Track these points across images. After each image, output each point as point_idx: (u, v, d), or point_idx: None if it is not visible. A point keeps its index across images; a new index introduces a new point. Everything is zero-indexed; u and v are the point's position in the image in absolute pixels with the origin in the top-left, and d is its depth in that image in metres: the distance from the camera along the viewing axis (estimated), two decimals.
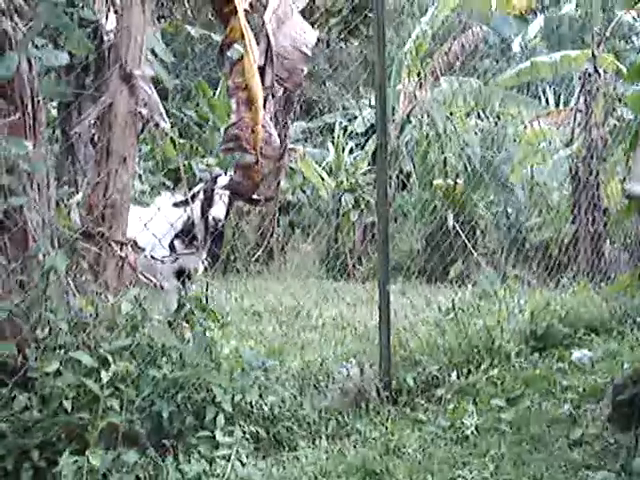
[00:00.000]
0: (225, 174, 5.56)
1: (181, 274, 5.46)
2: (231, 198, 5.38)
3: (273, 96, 4.42)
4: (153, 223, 4.85)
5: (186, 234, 5.53)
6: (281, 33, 4.48)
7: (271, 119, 4.43)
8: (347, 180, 13.38)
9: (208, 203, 5.44)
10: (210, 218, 5.45)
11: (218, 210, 5.43)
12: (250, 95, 4.24)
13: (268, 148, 4.30)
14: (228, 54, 4.36)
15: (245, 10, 4.31)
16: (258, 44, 4.43)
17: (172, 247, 5.49)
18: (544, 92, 15.59)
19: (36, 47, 3.54)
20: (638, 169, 3.61)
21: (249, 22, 4.36)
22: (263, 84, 4.39)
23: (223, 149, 4.44)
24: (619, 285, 4.76)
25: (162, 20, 12.36)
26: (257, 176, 4.32)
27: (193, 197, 5.55)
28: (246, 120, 4.24)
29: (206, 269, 5.76)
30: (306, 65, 4.60)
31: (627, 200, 4.06)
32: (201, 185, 5.70)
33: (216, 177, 5.53)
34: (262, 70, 4.40)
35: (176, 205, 5.50)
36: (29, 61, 3.74)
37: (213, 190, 5.44)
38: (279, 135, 4.32)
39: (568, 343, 6.38)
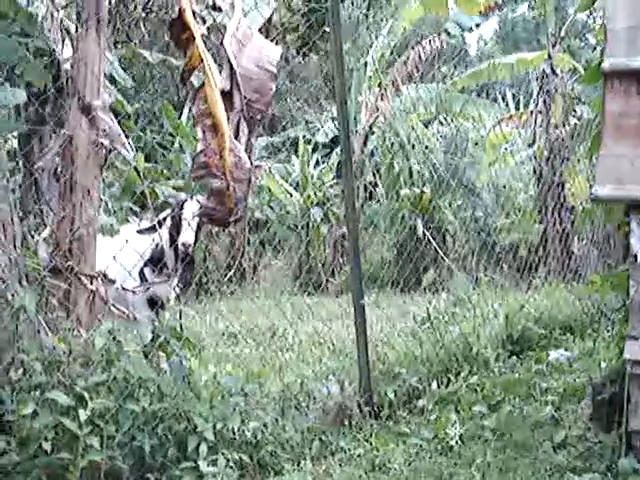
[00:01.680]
0: (191, 198, 5.51)
1: (154, 303, 5.40)
2: (199, 223, 5.35)
3: (245, 119, 4.39)
4: (122, 253, 4.81)
5: (156, 262, 5.48)
6: (244, 55, 4.46)
7: (247, 142, 4.41)
8: (315, 194, 13.37)
9: (176, 229, 5.40)
10: (180, 244, 5.41)
11: (187, 236, 5.40)
12: (215, 121, 4.22)
13: (239, 172, 4.28)
14: (191, 80, 4.35)
15: (202, 35, 4.30)
16: (221, 69, 4.41)
17: (142, 276, 5.44)
18: (504, 96, 15.74)
19: None
20: (601, 171, 3.64)
21: (208, 48, 4.34)
22: (232, 108, 4.37)
23: (194, 177, 4.40)
24: (592, 285, 4.79)
25: (119, 45, 12.33)
26: (230, 201, 4.29)
27: (160, 223, 5.51)
28: (213, 146, 4.21)
29: (178, 296, 5.71)
30: (274, 83, 4.59)
31: (592, 201, 4.10)
32: (168, 211, 5.65)
33: (183, 202, 5.49)
34: (230, 95, 4.37)
35: (141, 232, 5.45)
36: None
37: (181, 216, 5.40)
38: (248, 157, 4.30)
39: (544, 344, 6.43)
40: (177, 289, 5.67)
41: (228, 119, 4.31)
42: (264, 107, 4.51)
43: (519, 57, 12.62)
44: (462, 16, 11.66)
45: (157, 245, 5.53)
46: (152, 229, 5.45)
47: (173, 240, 5.46)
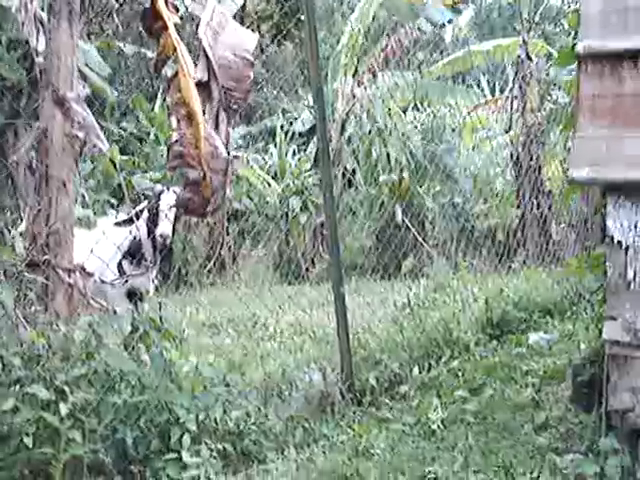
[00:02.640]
0: (167, 190, 5.48)
1: (132, 295, 5.38)
2: (177, 214, 5.33)
3: (224, 109, 4.37)
4: (99, 246, 4.78)
5: (133, 254, 5.46)
6: (219, 44, 4.43)
7: (225, 132, 4.39)
8: (293, 183, 13.34)
9: (154, 221, 5.36)
10: (157, 236, 5.38)
11: (164, 227, 5.38)
12: (189, 110, 4.19)
13: (215, 162, 4.25)
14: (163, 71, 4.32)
15: (175, 24, 4.26)
16: (197, 59, 4.37)
17: (120, 269, 5.41)
18: (479, 82, 15.78)
19: None
20: (577, 154, 3.65)
21: (181, 37, 4.30)
22: (211, 99, 4.34)
23: (169, 167, 4.37)
24: (569, 268, 4.82)
25: (92, 37, 12.22)
26: (207, 191, 4.27)
27: (137, 216, 5.48)
28: (188, 136, 4.18)
29: (157, 288, 5.69)
30: (251, 71, 4.56)
31: (569, 184, 4.12)
32: (145, 203, 5.62)
33: (159, 194, 5.46)
34: (207, 85, 4.35)
35: (118, 225, 5.43)
36: None
37: (158, 207, 5.37)
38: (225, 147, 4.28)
39: (524, 327, 6.48)
40: (156, 281, 5.65)
41: (205, 110, 4.28)
42: (243, 95, 4.49)
43: (495, 44, 12.64)
44: (434, 11, 11.63)
45: (135, 237, 5.50)
46: (129, 221, 5.42)
47: (151, 232, 5.43)
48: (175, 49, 4.22)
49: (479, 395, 4.97)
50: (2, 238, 4.27)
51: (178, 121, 4.20)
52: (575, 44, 4.09)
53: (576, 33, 4.35)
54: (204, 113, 4.30)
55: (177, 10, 4.36)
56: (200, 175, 4.20)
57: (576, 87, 3.66)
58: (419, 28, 12.25)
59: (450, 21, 12.20)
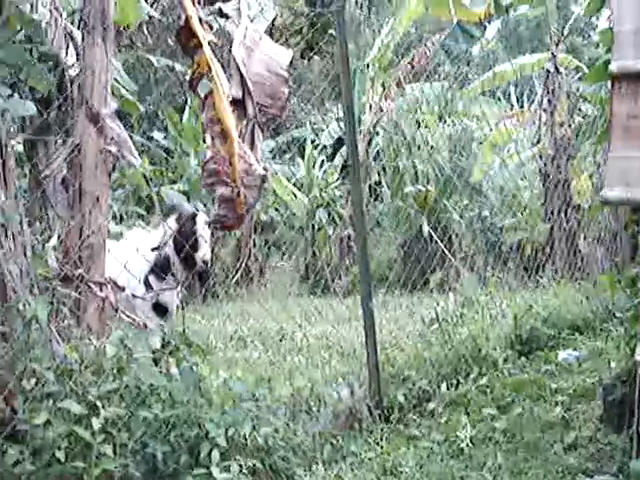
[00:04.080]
0: (196, 209, 5.49)
1: (159, 310, 5.41)
2: (212, 235, 5.36)
3: (260, 126, 4.40)
4: (127, 259, 4.82)
5: (160, 269, 5.47)
6: (254, 60, 4.46)
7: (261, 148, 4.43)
8: (320, 195, 13.37)
9: (185, 239, 5.33)
10: (199, 261, 5.38)
11: (204, 251, 5.38)
12: (224, 128, 4.22)
13: (249, 178, 4.28)
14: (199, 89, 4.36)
15: (210, 42, 4.30)
16: (231, 76, 4.41)
17: (147, 283, 5.44)
18: (507, 94, 15.70)
19: (1, 97, 3.49)
20: (610, 174, 3.64)
21: (216, 54, 4.34)
22: (245, 116, 4.37)
23: (204, 185, 4.40)
24: (601, 286, 4.79)
25: (122, 49, 12.34)
26: (241, 208, 4.29)
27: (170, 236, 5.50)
28: (222, 153, 4.22)
29: (182, 303, 5.71)
30: (286, 87, 4.59)
31: (602, 204, 4.10)
32: (173, 218, 5.62)
33: (194, 216, 5.45)
34: (242, 102, 4.38)
35: (155, 249, 5.44)
36: None
37: (195, 231, 5.36)
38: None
39: (553, 344, 6.43)
40: (180, 295, 5.67)
41: (240, 127, 4.31)
42: (278, 112, 4.52)
43: (525, 61, 12.54)
44: (459, 34, 11.59)
45: (161, 254, 5.52)
46: (164, 246, 5.44)
47: (179, 249, 5.42)
48: (210, 67, 4.25)
49: (508, 413, 4.94)
50: (36, 252, 4.30)
51: (212, 139, 4.23)
52: (605, 60, 4.09)
53: (607, 49, 4.34)
54: (239, 130, 4.33)
55: (211, 28, 4.40)
56: (234, 192, 4.23)
57: (610, 106, 3.65)
58: (446, 51, 12.23)
59: (475, 43, 12.15)
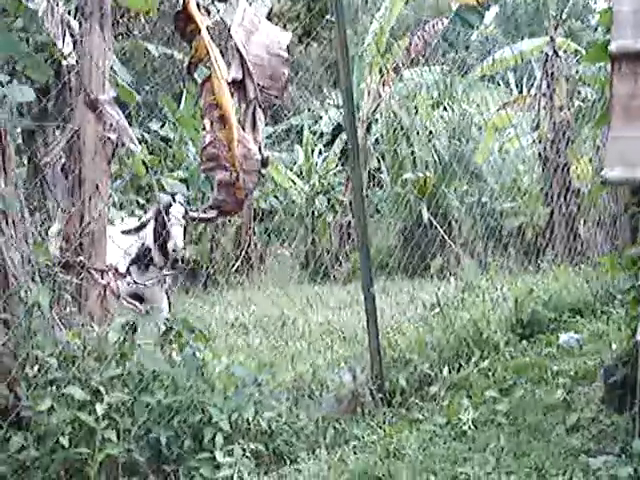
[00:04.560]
0: (174, 201, 5.45)
1: (135, 298, 5.39)
2: (186, 226, 5.32)
3: (261, 107, 4.40)
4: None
5: (141, 259, 5.45)
6: (253, 43, 4.45)
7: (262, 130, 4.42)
8: (319, 182, 13.36)
9: (165, 234, 5.31)
10: (170, 251, 5.36)
11: (176, 241, 5.35)
12: (222, 112, 4.22)
13: (248, 163, 4.28)
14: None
15: (208, 27, 4.29)
16: (230, 59, 4.40)
17: (128, 272, 5.41)
18: (506, 80, 15.66)
19: (1, 84, 3.49)
20: (611, 154, 3.63)
21: (214, 40, 4.33)
22: (246, 97, 4.37)
23: (203, 169, 4.40)
24: (601, 268, 4.79)
25: (119, 37, 12.29)
26: (240, 193, 4.30)
27: (144, 225, 5.49)
28: (221, 138, 4.21)
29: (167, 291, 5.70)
30: (286, 68, 4.58)
31: (602, 184, 4.09)
32: (153, 209, 5.60)
33: (168, 206, 5.42)
34: (242, 84, 4.37)
35: (127, 232, 5.42)
36: None
37: (166, 221, 5.34)
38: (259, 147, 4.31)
39: (554, 327, 6.45)
40: (170, 292, 5.67)
41: (241, 109, 4.30)
42: (278, 93, 4.52)
43: (524, 47, 12.48)
44: (468, 13, 11.53)
45: (143, 244, 5.51)
46: (137, 230, 5.42)
47: (158, 240, 5.41)
48: (208, 52, 4.24)
49: (510, 396, 4.95)
50: (37, 239, 4.30)
51: (211, 123, 4.23)
52: (605, 41, 4.07)
53: (607, 30, 4.32)
54: (239, 113, 4.33)
55: (209, 13, 4.39)
56: (233, 177, 4.22)
57: (609, 87, 3.64)
58: (447, 41, 12.18)
59: (477, 27, 12.11)
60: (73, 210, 4.19)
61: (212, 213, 4.70)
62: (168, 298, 5.73)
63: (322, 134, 15.71)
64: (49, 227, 5.21)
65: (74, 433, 3.50)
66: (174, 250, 5.36)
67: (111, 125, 4.28)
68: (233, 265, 11.49)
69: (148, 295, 5.50)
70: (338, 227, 12.93)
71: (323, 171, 13.76)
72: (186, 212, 5.13)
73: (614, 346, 5.21)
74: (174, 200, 5.46)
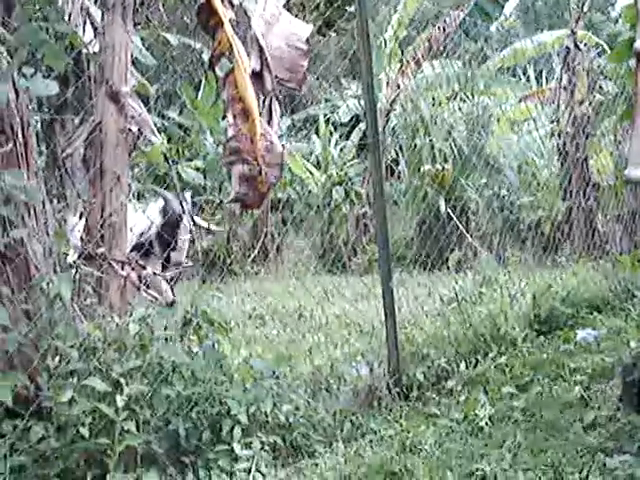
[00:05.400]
0: (182, 209, 5.45)
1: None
2: (191, 243, 5.34)
3: (278, 99, 4.40)
4: None
5: (141, 248, 5.47)
6: (273, 34, 4.45)
7: (278, 122, 4.42)
8: (336, 173, 13.35)
9: (171, 246, 5.32)
10: (172, 260, 5.38)
11: (179, 255, 5.37)
12: (245, 106, 4.22)
13: (271, 156, 4.28)
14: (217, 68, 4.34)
15: (230, 20, 4.28)
16: (250, 51, 4.40)
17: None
18: (525, 71, 15.57)
19: (24, 77, 3.50)
20: (635, 152, 3.61)
21: (236, 32, 4.33)
22: (264, 89, 4.37)
23: (225, 163, 4.40)
24: (621, 265, 4.77)
25: (139, 26, 12.29)
26: (262, 186, 4.30)
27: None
28: (244, 131, 4.21)
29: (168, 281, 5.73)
30: (305, 60, 4.57)
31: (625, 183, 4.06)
32: (158, 206, 5.60)
33: (179, 218, 5.42)
34: (260, 75, 4.37)
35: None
36: (16, 89, 3.71)
37: (176, 234, 5.35)
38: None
39: (572, 323, 6.43)
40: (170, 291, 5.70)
41: (259, 101, 4.31)
42: (297, 85, 4.51)
43: (544, 39, 12.40)
44: (487, 3, 11.42)
45: (142, 234, 5.53)
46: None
47: (161, 240, 5.42)
48: (231, 45, 4.24)
49: (527, 392, 4.95)
50: (59, 229, 4.32)
51: (234, 117, 4.23)
52: (629, 38, 4.04)
53: (631, 26, 4.29)
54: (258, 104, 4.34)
55: (232, 6, 4.38)
56: (256, 171, 4.23)
57: (634, 84, 3.61)
58: (466, 33, 12.11)
59: (496, 18, 12.00)
60: (94, 201, 4.20)
61: (219, 227, 4.72)
62: (172, 287, 5.74)
63: (340, 124, 15.69)
64: (65, 217, 5.24)
65: (94, 424, 3.52)
66: (177, 263, 5.38)
67: (133, 117, 4.29)
68: (250, 255, 11.52)
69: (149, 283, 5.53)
70: (355, 218, 12.92)
71: (340, 162, 13.75)
72: (194, 222, 5.15)
73: (632, 344, 5.19)
74: (183, 209, 5.46)
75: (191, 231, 5.29)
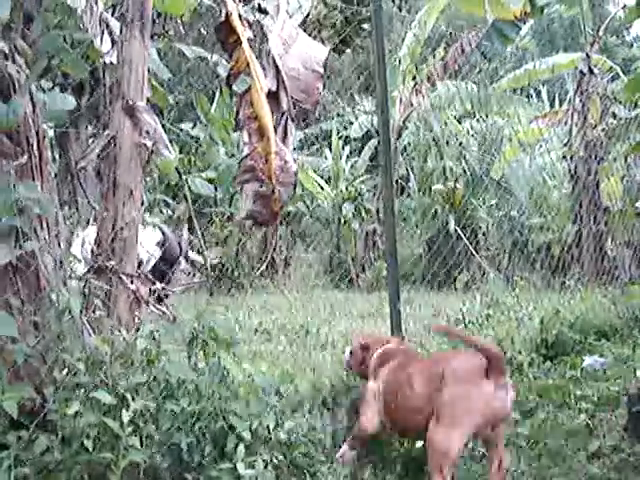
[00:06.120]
0: (180, 250, 5.47)
1: None
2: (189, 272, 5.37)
3: (292, 120, 4.43)
4: None
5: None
6: (290, 55, 4.49)
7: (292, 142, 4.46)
8: (347, 189, 13.36)
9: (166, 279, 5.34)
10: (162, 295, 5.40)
11: (176, 287, 5.38)
12: (261, 125, 4.24)
13: (284, 175, 4.31)
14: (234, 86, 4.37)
15: (249, 39, 4.31)
16: (267, 71, 4.43)
17: None
18: (539, 93, 15.58)
19: (43, 90, 3.53)
20: None
21: (254, 50, 4.36)
22: (279, 109, 4.40)
23: (239, 181, 4.42)
24: (630, 295, 4.76)
25: (154, 38, 12.35)
26: (276, 205, 4.32)
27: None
28: (259, 150, 4.24)
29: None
30: (320, 83, 4.62)
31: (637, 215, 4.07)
32: (155, 239, 5.63)
33: (176, 260, 5.45)
34: (276, 95, 4.40)
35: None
36: (32, 101, 3.75)
37: (174, 272, 5.38)
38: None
39: (579, 349, 6.40)
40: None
41: (273, 119, 4.33)
42: (311, 106, 4.54)
43: (558, 61, 12.40)
44: (505, 25, 11.40)
45: (140, 264, 5.56)
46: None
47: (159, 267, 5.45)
48: (248, 64, 4.27)
49: (531, 418, 4.93)
50: (69, 241, 4.35)
51: (250, 135, 4.25)
52: None
53: None
54: (273, 122, 4.36)
55: (250, 25, 4.41)
56: (270, 189, 4.25)
57: None
58: (484, 55, 12.11)
59: (513, 40, 11.97)
60: (106, 214, 4.22)
61: (216, 258, 4.77)
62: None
63: (352, 140, 15.72)
64: (76, 228, 5.27)
65: (98, 438, 3.52)
66: (166, 295, 5.39)
67: (147, 132, 4.31)
68: (258, 269, 11.52)
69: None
70: (364, 235, 12.92)
71: (351, 177, 13.77)
72: (192, 264, 5.17)
73: (639, 373, 5.17)
74: (181, 251, 5.47)
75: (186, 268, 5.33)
